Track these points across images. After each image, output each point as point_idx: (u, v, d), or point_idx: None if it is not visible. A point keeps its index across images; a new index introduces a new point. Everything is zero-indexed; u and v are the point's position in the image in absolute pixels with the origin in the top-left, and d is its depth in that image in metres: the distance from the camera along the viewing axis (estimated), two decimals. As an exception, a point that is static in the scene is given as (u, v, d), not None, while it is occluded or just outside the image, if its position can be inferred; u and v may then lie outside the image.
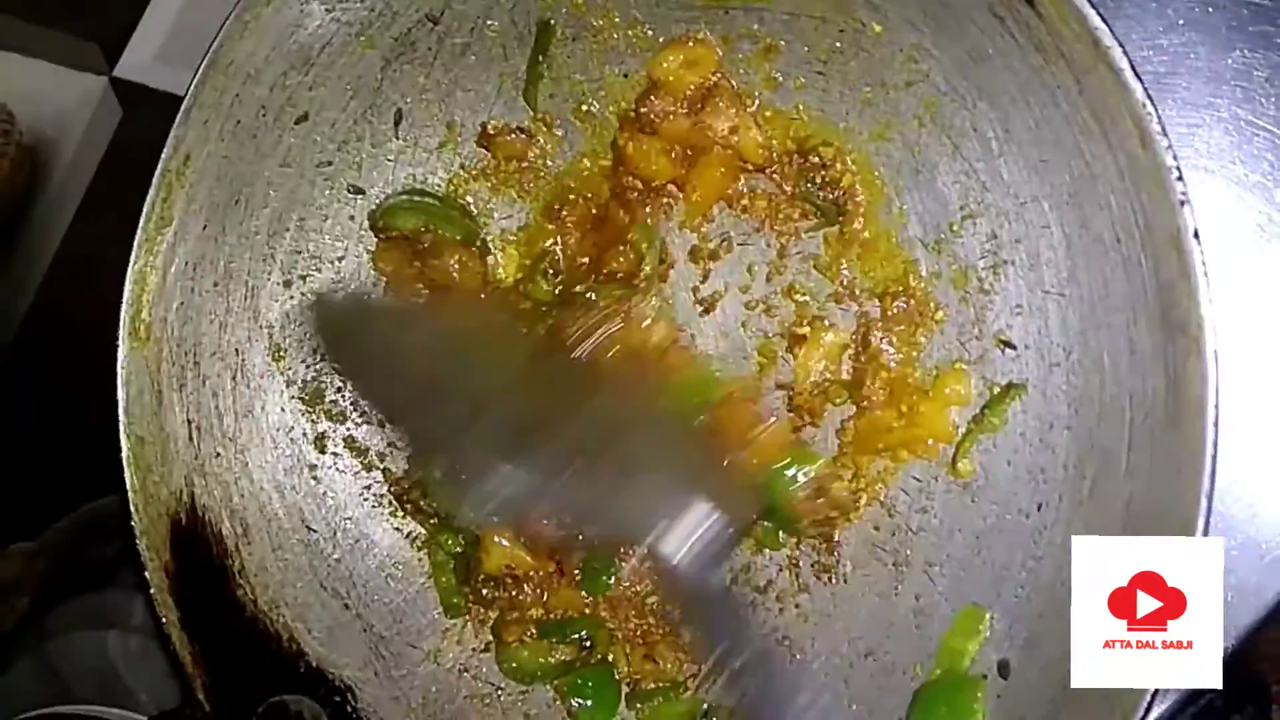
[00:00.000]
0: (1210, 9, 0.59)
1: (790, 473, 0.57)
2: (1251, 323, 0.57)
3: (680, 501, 0.53)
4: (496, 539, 0.62)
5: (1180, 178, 0.40)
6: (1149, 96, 0.41)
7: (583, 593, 0.62)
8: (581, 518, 0.57)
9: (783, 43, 0.58)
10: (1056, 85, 0.46)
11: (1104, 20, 0.41)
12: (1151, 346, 0.44)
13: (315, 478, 0.64)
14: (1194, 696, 0.55)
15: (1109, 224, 0.46)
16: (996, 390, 0.54)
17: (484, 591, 0.63)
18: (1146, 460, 0.45)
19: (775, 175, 0.60)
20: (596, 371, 0.58)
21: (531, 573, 0.63)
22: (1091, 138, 0.45)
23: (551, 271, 0.64)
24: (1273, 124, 0.59)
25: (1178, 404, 0.43)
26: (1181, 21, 0.59)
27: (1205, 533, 0.41)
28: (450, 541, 0.64)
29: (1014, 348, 0.53)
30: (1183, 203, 0.40)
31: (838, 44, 0.56)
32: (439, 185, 0.65)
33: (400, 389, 0.58)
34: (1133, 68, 0.41)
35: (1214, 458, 0.41)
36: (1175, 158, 0.40)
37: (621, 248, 0.62)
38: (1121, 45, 0.41)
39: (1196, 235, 0.40)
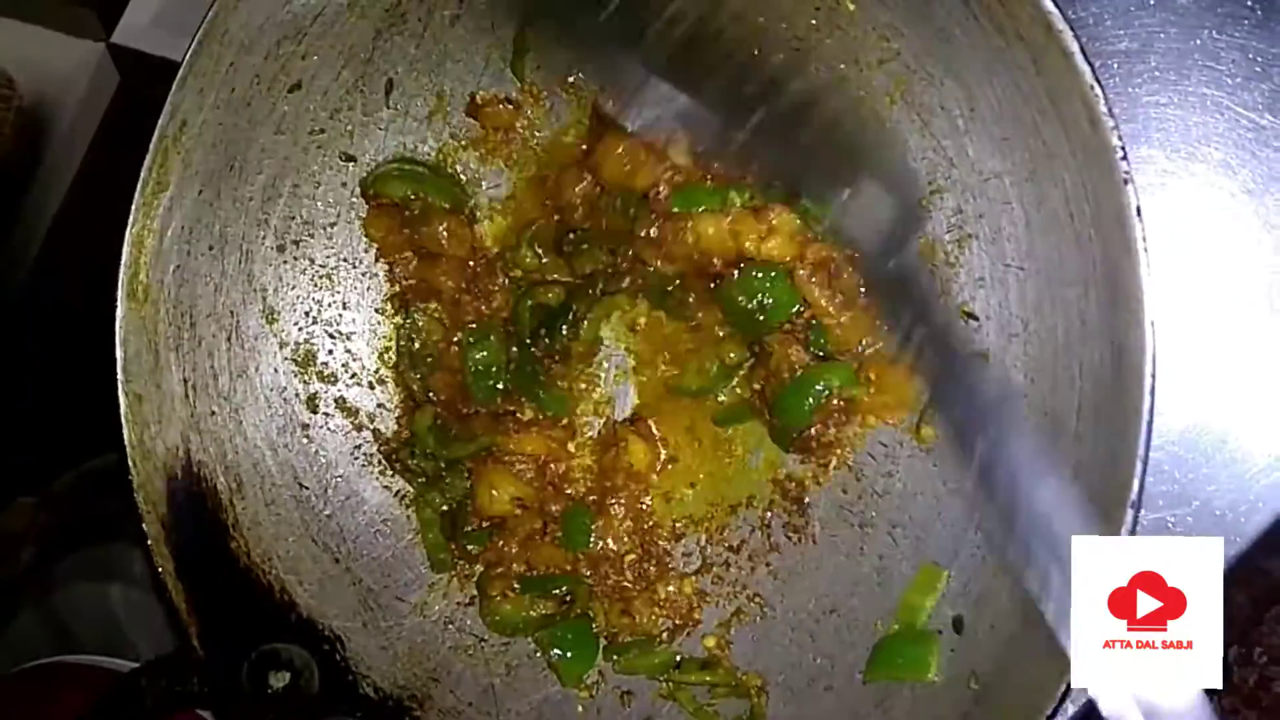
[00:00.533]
0: (1180, -11, 0.60)
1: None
2: (1213, 298, 0.59)
3: (855, 177, 0.52)
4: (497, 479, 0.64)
5: (1125, 157, 0.42)
6: (1097, 79, 0.42)
7: (564, 550, 0.64)
8: (760, 170, 0.55)
9: (761, 19, 0.59)
10: (1016, 66, 0.48)
11: (1056, 4, 0.43)
12: (1099, 318, 0.46)
13: (307, 437, 0.65)
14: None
15: (1063, 201, 0.48)
16: (960, 360, 0.56)
17: (469, 547, 0.65)
18: (1092, 426, 0.47)
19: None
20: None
21: (518, 528, 0.65)
22: (1048, 118, 0.47)
23: (538, 243, 0.66)
24: (1239, 104, 0.60)
25: (1121, 373, 0.45)
26: (1152, 1, 0.61)
27: (1141, 493, 0.43)
28: (438, 500, 0.66)
29: (976, 319, 0.55)
30: (1126, 181, 0.42)
31: (814, 21, 0.57)
32: (429, 154, 0.66)
33: None
34: (1083, 50, 0.43)
35: (1149, 423, 0.43)
36: (1120, 138, 0.42)
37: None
38: (1073, 28, 0.43)
39: (1139, 212, 0.42)
